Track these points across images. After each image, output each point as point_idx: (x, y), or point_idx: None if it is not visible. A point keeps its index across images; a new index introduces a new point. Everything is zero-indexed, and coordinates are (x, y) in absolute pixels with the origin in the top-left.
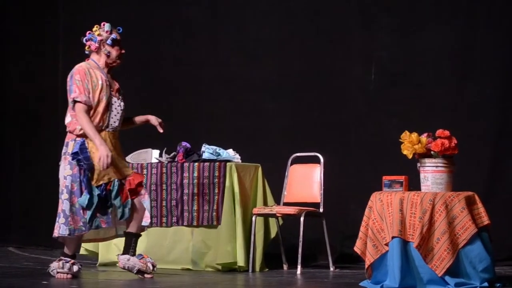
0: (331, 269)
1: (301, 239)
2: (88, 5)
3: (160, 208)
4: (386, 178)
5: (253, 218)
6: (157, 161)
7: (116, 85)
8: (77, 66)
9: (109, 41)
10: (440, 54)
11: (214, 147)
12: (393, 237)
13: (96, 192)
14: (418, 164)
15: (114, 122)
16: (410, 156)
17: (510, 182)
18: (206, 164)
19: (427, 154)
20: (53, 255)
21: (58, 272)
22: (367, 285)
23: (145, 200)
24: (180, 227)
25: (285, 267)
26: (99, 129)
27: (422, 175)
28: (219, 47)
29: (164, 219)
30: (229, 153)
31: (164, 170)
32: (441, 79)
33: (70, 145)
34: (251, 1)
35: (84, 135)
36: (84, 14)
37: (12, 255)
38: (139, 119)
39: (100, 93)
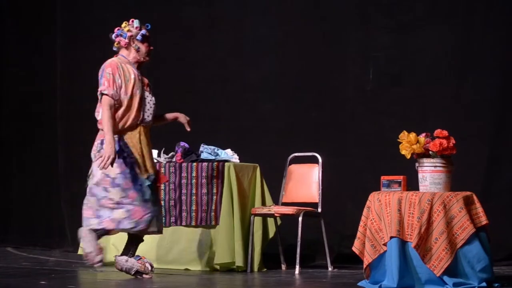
0: (330, 269)
1: (299, 239)
2: (86, 6)
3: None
4: (384, 178)
5: (252, 218)
6: (155, 161)
7: (146, 80)
8: (109, 60)
9: (139, 37)
10: (438, 54)
11: (213, 147)
12: (391, 237)
13: (146, 183)
14: (416, 164)
15: (148, 116)
16: (408, 156)
17: (508, 182)
18: (205, 164)
19: (425, 154)
20: (51, 255)
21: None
22: (365, 285)
23: None
24: (179, 227)
25: (283, 267)
26: (135, 124)
27: (420, 175)
28: (216, 47)
29: (162, 219)
30: (227, 153)
31: (162, 170)
32: (438, 79)
33: None
34: (248, 1)
35: (118, 132)
36: (82, 15)
37: (10, 255)
38: (169, 116)
39: (133, 88)
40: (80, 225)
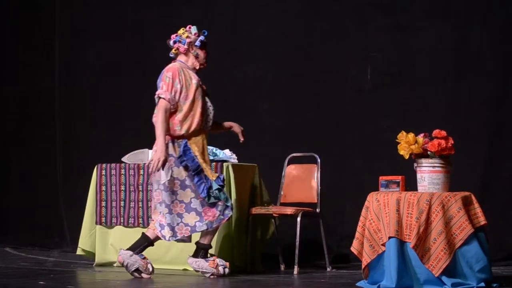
0: (328, 269)
1: (298, 239)
2: (84, 7)
3: None
4: (382, 178)
5: (250, 218)
6: None
7: (204, 87)
8: (170, 65)
9: (197, 43)
10: (436, 54)
11: (211, 147)
12: (390, 237)
13: (216, 185)
14: (415, 164)
15: (208, 122)
16: (407, 157)
17: (507, 182)
18: None
19: (424, 154)
20: (50, 255)
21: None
22: (364, 285)
23: None
24: None
25: (282, 267)
26: (199, 129)
27: (418, 175)
28: (213, 47)
29: None
30: (226, 154)
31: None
32: (437, 79)
33: (170, 147)
34: (245, 0)
35: (183, 136)
36: (81, 16)
37: (8, 255)
38: (226, 124)
39: (195, 93)
40: (78, 224)
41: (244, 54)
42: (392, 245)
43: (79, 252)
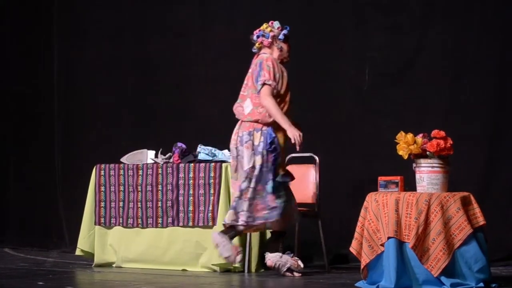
0: (327, 269)
1: (296, 240)
2: (83, 6)
3: (156, 209)
4: (381, 179)
5: None
6: (152, 161)
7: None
8: (265, 56)
9: (281, 36)
10: (434, 54)
11: (210, 148)
12: (388, 238)
13: (281, 179)
14: (414, 165)
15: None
16: (405, 157)
17: (505, 182)
18: (202, 164)
19: (423, 154)
20: (49, 256)
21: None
22: (363, 285)
23: None
24: (176, 227)
25: None
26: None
27: (417, 176)
28: (210, 47)
29: (159, 220)
30: (225, 154)
31: (159, 171)
32: (435, 79)
33: (256, 135)
34: (242, 1)
35: (269, 124)
36: (79, 15)
37: (7, 256)
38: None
39: (287, 84)
40: (77, 225)
41: (241, 54)
42: (391, 245)
43: (78, 252)
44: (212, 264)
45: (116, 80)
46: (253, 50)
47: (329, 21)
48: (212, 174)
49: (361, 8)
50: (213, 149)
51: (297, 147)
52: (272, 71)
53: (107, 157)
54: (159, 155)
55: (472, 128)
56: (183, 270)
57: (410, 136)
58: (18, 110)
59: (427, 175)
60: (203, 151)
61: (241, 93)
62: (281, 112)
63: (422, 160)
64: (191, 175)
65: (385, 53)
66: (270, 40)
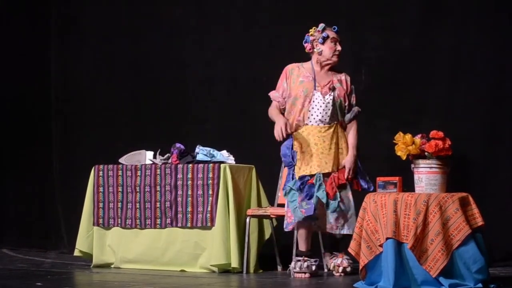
0: (325, 270)
1: (295, 240)
2: (80, 5)
3: (154, 210)
4: (380, 179)
5: (247, 220)
6: (151, 162)
7: (326, 82)
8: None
9: (320, 40)
10: (432, 54)
11: (208, 148)
12: (387, 238)
13: (297, 184)
14: (412, 165)
15: (317, 115)
16: (404, 157)
17: (504, 183)
18: (200, 165)
19: (421, 155)
20: (47, 256)
21: (294, 273)
22: (361, 286)
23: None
24: (174, 228)
25: (279, 268)
26: (299, 123)
27: (416, 176)
28: (207, 47)
29: (158, 221)
30: (223, 155)
31: (158, 171)
32: (432, 79)
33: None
34: (238, 1)
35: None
36: (76, 14)
37: (5, 256)
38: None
39: (298, 88)
40: (75, 226)
41: (238, 54)
42: (389, 246)
43: (76, 253)
44: (211, 265)
45: (114, 80)
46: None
47: (325, 21)
48: (210, 175)
49: (356, 8)
50: (211, 150)
51: (277, 138)
52: (279, 83)
53: (105, 157)
54: (157, 156)
55: (471, 128)
56: (182, 270)
57: (408, 136)
58: (16, 110)
59: (426, 175)
60: (201, 152)
61: None
62: (275, 111)
63: (420, 161)
64: (189, 175)
65: (382, 54)
66: (310, 45)
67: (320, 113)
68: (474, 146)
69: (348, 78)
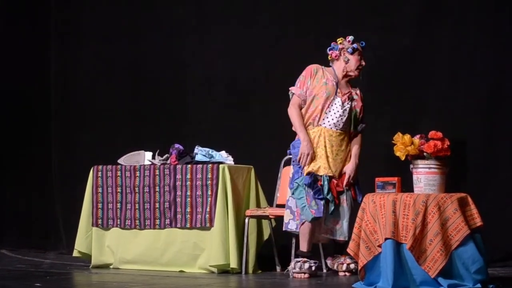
0: (324, 270)
1: (294, 240)
2: (80, 6)
3: (153, 210)
4: (378, 180)
5: (246, 220)
6: (150, 163)
7: (346, 91)
8: (313, 65)
9: (349, 50)
10: (431, 54)
11: (207, 149)
12: (386, 239)
13: (306, 181)
14: (411, 166)
15: (332, 119)
16: (403, 158)
17: (503, 183)
18: (199, 166)
19: (420, 155)
20: (46, 257)
21: (293, 273)
22: (360, 286)
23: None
24: (173, 229)
25: (278, 268)
26: (313, 122)
27: (415, 177)
28: (207, 48)
29: (157, 221)
30: (222, 155)
31: (157, 172)
32: (432, 79)
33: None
34: (237, 2)
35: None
36: (75, 16)
37: (5, 257)
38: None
39: (321, 89)
40: (74, 226)
41: (238, 54)
42: (388, 247)
43: (75, 254)
44: (210, 266)
45: (113, 81)
46: (330, 64)
47: (323, 21)
48: (209, 175)
49: (356, 8)
50: (210, 150)
51: (301, 163)
52: (303, 80)
53: (104, 158)
54: (156, 156)
55: (470, 128)
56: (181, 271)
57: (407, 137)
58: (15, 110)
59: (425, 176)
60: (200, 152)
61: None
62: (300, 123)
63: (419, 161)
64: (188, 176)
65: (380, 53)
66: (337, 52)
67: (336, 118)
68: (473, 146)
69: (361, 94)
